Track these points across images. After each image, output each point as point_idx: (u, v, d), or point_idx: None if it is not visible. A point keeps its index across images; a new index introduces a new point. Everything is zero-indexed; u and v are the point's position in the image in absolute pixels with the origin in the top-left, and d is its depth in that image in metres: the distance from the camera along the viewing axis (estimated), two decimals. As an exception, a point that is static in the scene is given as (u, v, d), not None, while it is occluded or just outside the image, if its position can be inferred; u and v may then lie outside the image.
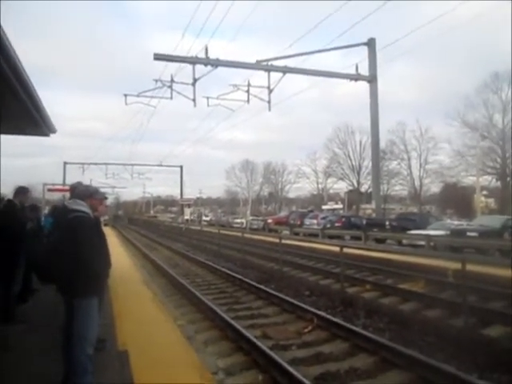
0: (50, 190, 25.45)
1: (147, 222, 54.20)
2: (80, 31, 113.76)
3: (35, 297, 6.86)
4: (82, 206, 3.59)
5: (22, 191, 6.12)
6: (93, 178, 55.22)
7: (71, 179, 43.55)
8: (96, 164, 52.82)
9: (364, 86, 30.01)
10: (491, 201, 48.55)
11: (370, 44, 29.29)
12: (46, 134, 9.73)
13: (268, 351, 5.35)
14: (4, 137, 10.98)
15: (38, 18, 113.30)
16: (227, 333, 6.50)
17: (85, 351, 3.45)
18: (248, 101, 23.92)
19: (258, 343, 5.66)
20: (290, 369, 4.76)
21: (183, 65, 22.39)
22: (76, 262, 3.38)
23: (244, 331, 6.22)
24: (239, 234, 19.95)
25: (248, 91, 23.66)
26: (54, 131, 9.55)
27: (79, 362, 3.42)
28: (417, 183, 56.62)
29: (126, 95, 24.43)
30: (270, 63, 24.45)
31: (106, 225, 44.00)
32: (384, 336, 6.29)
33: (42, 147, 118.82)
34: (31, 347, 4.69)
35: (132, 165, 55.03)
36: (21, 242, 5.55)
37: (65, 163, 52.17)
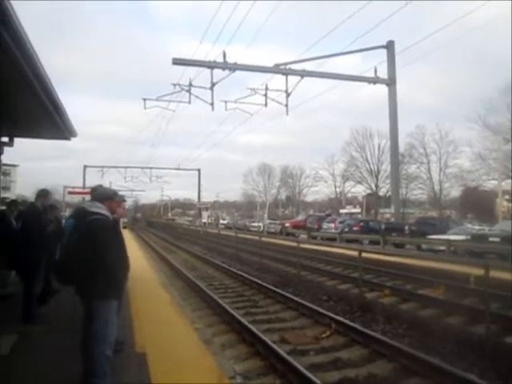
0: (70, 192, 25.86)
1: (165, 225, 54.62)
2: (102, 36, 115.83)
3: (56, 298, 6.95)
4: (101, 209, 3.63)
5: (43, 194, 6.23)
6: (112, 181, 56.21)
7: (91, 182, 44.31)
8: (115, 167, 53.56)
9: (383, 89, 29.79)
10: (513, 205, 47.52)
11: (389, 47, 29.09)
12: (67, 138, 9.91)
13: (286, 356, 5.32)
14: (27, 140, 11.27)
15: (60, 23, 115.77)
16: (244, 336, 6.48)
17: (104, 353, 3.47)
18: (266, 104, 23.93)
19: (276, 348, 5.63)
20: (308, 374, 4.72)
21: (201, 69, 22.57)
22: (95, 264, 3.41)
23: (261, 335, 6.20)
24: (256, 238, 19.94)
25: (266, 95, 23.67)
26: (74, 135, 9.72)
27: (98, 363, 3.45)
28: (436, 187, 55.75)
29: (144, 99, 24.72)
30: (287, 67, 24.47)
31: (124, 227, 44.48)
32: (403, 342, 6.19)
33: (63, 150, 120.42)
34: (51, 348, 4.75)
35: (150, 168, 55.69)
36: (42, 243, 5.64)
37: (85, 166, 53.03)
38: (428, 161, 55.96)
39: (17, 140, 10.04)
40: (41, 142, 12.11)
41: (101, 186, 4.97)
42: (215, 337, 6.41)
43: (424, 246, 20.82)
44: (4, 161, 10.72)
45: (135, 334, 5.38)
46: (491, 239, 18.81)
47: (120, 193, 4.55)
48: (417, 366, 5.20)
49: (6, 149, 9.78)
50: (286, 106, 24.01)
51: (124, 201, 5.19)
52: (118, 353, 4.35)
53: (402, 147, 45.69)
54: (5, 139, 9.35)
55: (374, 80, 27.49)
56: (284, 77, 24.12)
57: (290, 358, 5.22)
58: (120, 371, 3.98)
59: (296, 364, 5.01)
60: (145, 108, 24.83)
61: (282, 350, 5.56)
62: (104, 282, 3.43)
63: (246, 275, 12.51)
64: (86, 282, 3.50)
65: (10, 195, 42.57)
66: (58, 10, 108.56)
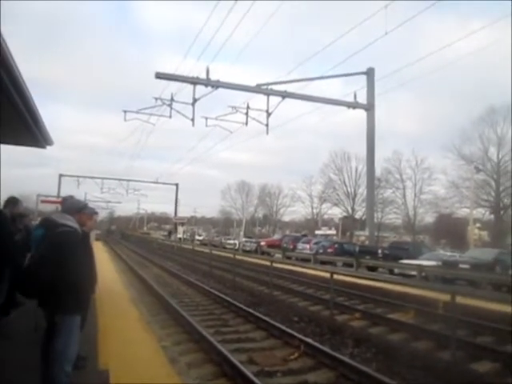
0: (43, 201, 25.22)
1: (140, 239, 53.83)
2: (85, 47, 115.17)
3: (18, 310, 6.72)
4: (70, 221, 3.57)
5: (12, 201, 6.09)
6: (88, 192, 55.38)
7: (66, 192, 43.47)
8: (92, 178, 52.69)
9: (362, 113, 30.42)
10: (484, 233, 48.81)
11: (369, 73, 29.83)
12: (42, 146, 9.72)
13: (252, 377, 5.25)
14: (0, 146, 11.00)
15: (41, 32, 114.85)
16: (212, 356, 6.38)
17: (63, 369, 3.37)
18: (246, 123, 24.11)
19: (243, 368, 5.56)
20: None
21: (184, 84, 22.65)
22: (60, 277, 3.33)
23: (229, 355, 6.11)
24: (231, 255, 19.82)
25: (247, 114, 23.87)
26: (50, 143, 9.55)
27: (57, 379, 3.34)
28: (411, 212, 56.84)
29: (125, 111, 24.61)
30: (269, 87, 24.76)
31: (97, 239, 43.68)
32: (371, 366, 6.19)
33: (39, 158, 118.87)
34: (11, 361, 4.57)
35: (128, 180, 55.03)
36: (7, 252, 5.47)
37: (60, 175, 51.98)
38: (403, 186, 57.22)
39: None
40: (14, 147, 11.88)
41: (72, 196, 4.89)
42: (182, 356, 6.27)
43: (396, 270, 21.08)
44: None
45: (99, 350, 5.24)
46: (461, 266, 19.19)
47: (95, 204, 4.51)
48: (383, 390, 5.20)
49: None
50: (267, 125, 24.24)
51: (95, 213, 5.12)
52: (80, 369, 4.23)
53: (378, 172, 46.72)
54: (-26, 145, 9.13)
55: (354, 105, 28.06)
56: (265, 97, 24.40)
57: (256, 380, 5.16)
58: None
59: (262, 386, 4.96)
60: (125, 120, 24.73)
61: (249, 371, 5.49)
62: (68, 295, 3.35)
63: (218, 293, 12.38)
64: (50, 295, 3.41)
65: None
66: (38, 18, 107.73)
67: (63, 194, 40.04)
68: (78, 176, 51.93)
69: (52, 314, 3.47)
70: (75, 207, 3.75)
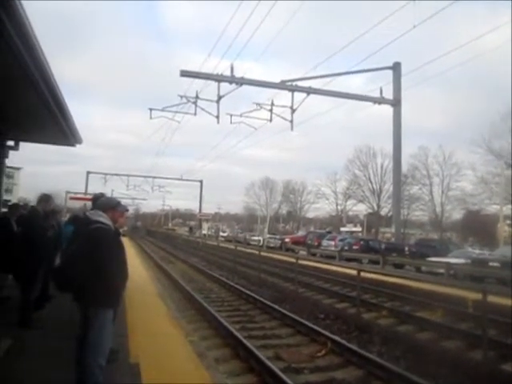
0: (71, 198, 25.90)
1: (165, 235, 54.52)
2: (112, 47, 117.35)
3: (52, 303, 6.94)
4: (103, 218, 3.65)
5: (44, 199, 6.27)
6: (114, 189, 56.47)
7: (93, 188, 44.46)
8: (118, 175, 53.69)
9: (388, 109, 29.98)
10: (515, 231, 47.36)
11: (395, 68, 29.34)
12: (72, 145, 10.01)
13: (279, 373, 5.27)
14: (31, 145, 11.37)
15: (69, 32, 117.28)
16: (239, 352, 6.44)
17: (97, 362, 3.46)
18: (271, 119, 24.09)
19: (270, 364, 5.59)
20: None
21: (208, 82, 22.77)
22: (94, 272, 3.42)
23: (256, 351, 6.15)
24: (256, 252, 19.89)
25: (271, 110, 23.85)
26: (80, 142, 9.82)
27: (91, 372, 3.43)
28: (438, 209, 55.64)
29: (151, 109, 24.92)
30: (294, 83, 24.67)
31: (124, 235, 44.42)
32: (399, 365, 6.13)
33: (67, 156, 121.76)
34: (46, 353, 4.72)
35: (153, 177, 55.84)
36: (41, 248, 5.65)
37: (88, 173, 53.24)
38: (430, 182, 56.00)
39: (22, 144, 10.15)
40: (45, 146, 12.23)
41: (102, 194, 5.02)
42: (209, 350, 6.35)
43: (423, 268, 20.75)
44: (8, 163, 10.81)
45: (130, 344, 5.35)
46: (491, 264, 18.74)
47: (122, 201, 4.57)
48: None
49: (10, 152, 9.88)
50: (291, 121, 24.17)
51: (127, 210, 5.22)
52: (113, 362, 4.33)
53: (404, 168, 45.84)
54: (10, 143, 9.46)
55: (380, 100, 27.68)
56: (290, 93, 24.31)
57: (283, 376, 5.18)
58: (113, 381, 3.96)
59: (289, 381, 4.97)
60: (151, 118, 25.05)
61: (276, 367, 5.51)
62: (102, 290, 3.44)
63: (243, 289, 12.45)
64: (85, 290, 3.50)
65: (12, 198, 42.63)
66: (68, 20, 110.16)
67: (90, 191, 40.97)
68: (104, 173, 53.09)
69: (86, 307, 3.56)
70: (109, 205, 3.83)
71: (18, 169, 62.40)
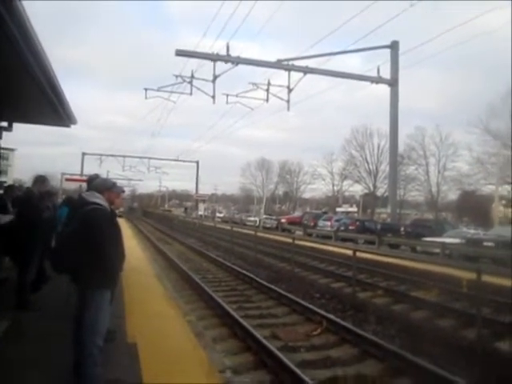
0: (67, 179, 25.80)
1: (161, 216, 54.58)
2: (105, 27, 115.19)
3: (49, 285, 6.95)
4: (99, 199, 3.62)
5: (40, 180, 6.21)
6: (110, 170, 56.13)
7: (89, 170, 44.24)
8: (114, 156, 53.35)
9: (385, 89, 29.76)
10: (509, 211, 47.66)
11: (393, 47, 29.01)
12: (67, 125, 9.88)
13: (276, 352, 5.34)
14: (26, 126, 11.24)
15: (64, 12, 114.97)
16: (236, 331, 6.50)
17: (95, 342, 3.47)
18: (267, 99, 23.90)
19: (267, 343, 5.66)
20: (298, 371, 4.74)
21: (204, 62, 22.49)
22: (91, 253, 3.41)
23: (253, 330, 6.22)
24: (252, 232, 19.98)
25: (268, 90, 23.63)
26: (74, 122, 9.69)
27: (89, 352, 3.44)
28: (434, 189, 55.85)
29: (146, 89, 24.63)
30: (290, 63, 24.37)
31: (120, 216, 44.48)
32: (394, 343, 6.21)
33: (62, 137, 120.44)
34: (44, 335, 4.74)
35: (149, 158, 55.46)
36: (37, 230, 5.63)
37: (83, 154, 52.83)
38: (426, 163, 56.06)
39: (16, 125, 10.01)
40: (40, 127, 12.10)
41: (97, 175, 4.98)
42: (207, 330, 6.42)
43: (419, 248, 20.93)
44: (2, 145, 10.69)
45: (127, 325, 5.39)
46: (486, 244, 18.91)
47: (118, 182, 4.54)
48: (406, 367, 5.23)
49: (4, 133, 9.75)
50: (288, 101, 23.96)
51: (123, 191, 5.19)
52: (110, 342, 4.36)
53: (401, 148, 45.69)
54: (4, 124, 9.33)
55: (377, 80, 27.42)
56: (286, 73, 24.04)
57: (280, 354, 5.24)
58: (111, 361, 3.99)
59: (286, 360, 5.04)
60: (146, 98, 24.79)
61: (272, 346, 5.58)
62: (99, 271, 3.42)
63: (239, 269, 12.54)
64: (81, 271, 3.50)
65: (7, 179, 42.40)
66: (64, 3, 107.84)
67: (86, 172, 40.79)
68: (100, 154, 52.70)
69: (83, 288, 3.56)
70: (104, 186, 3.80)
71: (12, 150, 61.84)
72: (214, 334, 6.35)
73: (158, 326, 5.54)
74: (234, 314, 7.15)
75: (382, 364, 5.52)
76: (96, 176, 4.88)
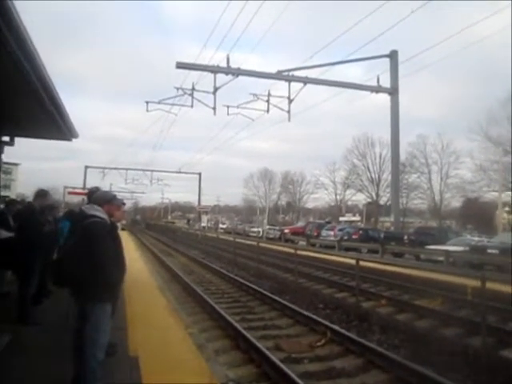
0: (70, 192, 25.89)
1: (164, 228, 54.54)
2: (106, 40, 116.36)
3: (50, 299, 6.93)
4: (99, 212, 3.62)
5: (41, 194, 6.24)
6: (113, 183, 56.42)
7: (92, 183, 44.40)
8: (116, 169, 53.55)
9: (385, 98, 29.86)
10: (513, 217, 47.41)
11: (392, 56, 29.18)
12: (68, 139, 9.93)
13: (279, 363, 5.29)
14: (29, 140, 11.31)
15: (65, 27, 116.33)
16: (239, 343, 6.45)
17: (95, 356, 3.45)
18: (268, 110, 24.01)
19: (270, 355, 5.60)
20: (301, 383, 4.69)
21: (204, 74, 22.65)
22: (91, 266, 3.40)
23: (256, 342, 6.17)
24: (255, 243, 19.92)
25: (268, 101, 23.75)
26: (75, 136, 9.74)
27: (89, 366, 3.43)
28: (437, 197, 55.76)
29: (147, 102, 24.78)
30: (290, 73, 24.53)
31: (123, 229, 44.47)
32: (399, 353, 6.16)
33: (65, 151, 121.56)
34: (44, 348, 4.72)
35: (151, 171, 55.71)
36: (37, 244, 5.63)
37: (86, 167, 53.08)
38: (429, 170, 56.08)
39: (19, 139, 10.09)
40: (43, 141, 12.17)
41: (98, 188, 4.99)
42: (209, 342, 6.37)
43: (423, 256, 20.80)
44: (5, 159, 10.76)
45: (129, 338, 5.36)
46: (490, 251, 18.78)
47: (120, 194, 4.56)
48: (411, 377, 5.17)
49: (6, 148, 9.82)
50: (289, 112, 24.08)
51: (123, 204, 5.20)
52: (111, 356, 4.33)
53: (403, 156, 45.80)
54: (6, 138, 9.39)
55: (377, 89, 27.57)
56: (287, 83, 24.19)
57: (283, 366, 5.19)
58: (112, 374, 3.97)
59: (289, 372, 4.99)
60: (147, 111, 24.91)
61: (275, 358, 5.53)
62: (99, 284, 3.42)
63: (242, 281, 12.49)
64: (81, 285, 3.49)
65: (10, 194, 42.53)
66: (62, 13, 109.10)
67: (89, 185, 40.86)
68: (102, 167, 52.95)
69: (83, 302, 3.55)
70: (104, 198, 3.81)
71: (15, 165, 62.22)
72: (216, 346, 6.29)
73: (159, 338, 5.50)
74: (237, 325, 7.10)
75: (386, 374, 5.46)
76: (96, 189, 4.89)
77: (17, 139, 9.95)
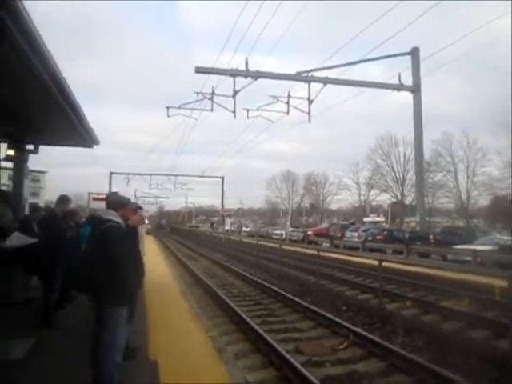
0: (94, 198, 26.38)
1: (188, 232, 54.99)
2: (126, 47, 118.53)
3: (73, 304, 7.05)
4: (114, 216, 3.67)
5: (62, 200, 6.34)
6: (137, 188, 57.25)
7: (117, 189, 45.10)
8: (140, 174, 54.31)
9: (407, 96, 29.37)
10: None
11: (414, 53, 28.67)
12: (89, 146, 10.21)
13: (299, 367, 5.23)
14: (56, 148, 11.68)
15: (86, 35, 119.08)
16: (259, 346, 6.42)
17: (113, 359, 3.49)
18: (288, 112, 23.88)
19: (290, 358, 5.55)
20: (321, 386, 4.63)
21: (223, 77, 22.73)
22: (107, 271, 3.44)
23: (276, 345, 6.12)
24: (277, 246, 19.86)
25: (288, 102, 23.64)
26: (96, 143, 10.00)
27: (106, 369, 3.46)
28: (464, 196, 54.48)
29: (167, 107, 24.98)
30: (310, 74, 24.37)
31: (148, 234, 45.08)
32: (423, 356, 6.01)
33: (91, 158, 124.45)
34: (66, 352, 4.80)
35: (175, 175, 56.25)
36: (60, 249, 5.73)
37: (111, 173, 54.02)
38: (455, 169, 54.85)
39: (46, 148, 10.44)
40: (69, 149, 12.52)
41: (115, 193, 5.05)
42: (230, 345, 6.37)
43: (449, 256, 20.34)
44: (33, 167, 11.11)
45: (149, 342, 5.40)
46: (520, 250, 18.20)
47: (145, 199, 4.62)
48: (436, 381, 5.04)
49: (35, 156, 10.16)
50: (309, 113, 23.90)
51: (140, 208, 5.25)
52: (130, 360, 4.38)
53: (427, 155, 45.01)
54: (30, 147, 9.68)
55: (399, 87, 27.10)
56: (306, 84, 24.04)
57: (303, 370, 5.13)
58: (130, 378, 4.00)
59: (309, 376, 4.92)
60: (168, 116, 25.12)
61: (296, 361, 5.48)
62: (115, 289, 3.45)
63: (265, 283, 12.45)
64: (98, 289, 3.54)
65: (39, 201, 43.67)
66: (86, 24, 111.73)
67: (114, 191, 41.58)
68: (127, 173, 53.77)
69: (100, 306, 3.59)
70: (118, 203, 3.86)
71: (43, 172, 63.91)
72: (236, 349, 6.28)
73: (180, 342, 5.52)
74: (257, 328, 7.07)
75: (410, 378, 5.33)
76: (114, 193, 4.96)
77: (42, 148, 10.27)
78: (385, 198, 63.96)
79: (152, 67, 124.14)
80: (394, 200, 61.27)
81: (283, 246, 19.40)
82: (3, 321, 5.37)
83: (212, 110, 23.48)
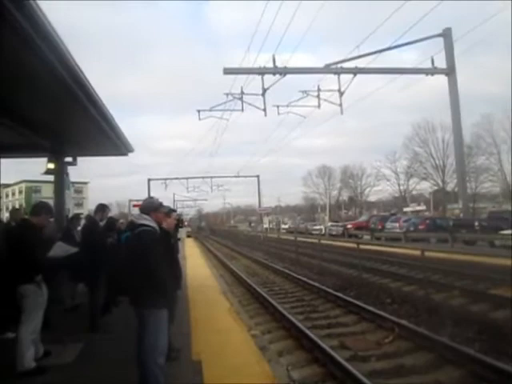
0: (135, 205, 26.99)
1: (228, 232, 55.49)
2: (164, 58, 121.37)
3: (120, 308, 7.23)
4: (147, 220, 3.72)
5: (100, 208, 6.52)
6: (176, 192, 58.27)
7: (155, 195, 46.06)
8: (177, 179, 55.22)
9: (442, 80, 28.39)
10: None
11: (446, 34, 27.67)
12: (124, 154, 10.51)
13: (344, 363, 5.15)
14: (95, 159, 12.16)
15: (119, 50, 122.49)
16: (303, 343, 6.37)
17: (156, 361, 3.54)
18: (319, 106, 23.60)
19: (334, 354, 5.47)
20: (368, 382, 4.53)
21: (252, 77, 22.71)
22: (144, 274, 3.49)
23: (320, 341, 6.06)
24: (317, 241, 19.68)
25: (318, 96, 23.35)
26: (131, 150, 10.28)
27: (151, 371, 3.51)
28: (509, 178, 52.11)
29: (198, 111, 25.24)
30: (339, 66, 23.99)
31: (189, 236, 45.85)
32: (473, 347, 5.78)
33: (130, 166, 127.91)
34: (113, 356, 4.92)
35: (211, 177, 56.77)
36: (101, 255, 5.89)
37: (149, 180, 55.20)
38: (498, 151, 52.48)
39: (86, 160, 10.89)
40: (109, 159, 13.03)
41: (152, 198, 5.13)
42: (272, 343, 6.35)
43: (497, 242, 19.52)
44: (75, 179, 11.61)
45: (192, 342, 5.46)
46: None
47: (184, 203, 4.68)
48: (488, 372, 4.84)
49: (78, 168, 10.62)
50: (340, 105, 23.51)
51: (173, 211, 5.32)
52: (174, 360, 4.44)
53: (468, 138, 43.36)
54: (69, 159, 10.07)
55: (432, 71, 26.21)
56: (336, 76, 23.67)
57: (348, 365, 5.05)
58: (175, 379, 4.05)
59: (355, 371, 4.83)
60: (199, 119, 25.38)
61: (340, 357, 5.39)
62: (151, 291, 3.50)
63: (305, 279, 12.37)
64: (137, 292, 3.60)
65: (83, 211, 45.21)
66: (124, 41, 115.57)
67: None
68: (164, 179, 54.80)
69: (140, 309, 3.65)
70: (150, 207, 3.91)
71: (85, 183, 66.12)
72: (279, 347, 6.26)
73: (222, 342, 5.55)
74: (300, 324, 7.02)
75: (461, 370, 5.14)
76: (148, 199, 5.04)
77: (82, 160, 10.71)
78: (425, 186, 62.14)
79: (183, 73, 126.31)
80: (435, 187, 59.47)
81: (322, 241, 19.19)
82: (54, 327, 5.57)
83: (242, 109, 23.53)
